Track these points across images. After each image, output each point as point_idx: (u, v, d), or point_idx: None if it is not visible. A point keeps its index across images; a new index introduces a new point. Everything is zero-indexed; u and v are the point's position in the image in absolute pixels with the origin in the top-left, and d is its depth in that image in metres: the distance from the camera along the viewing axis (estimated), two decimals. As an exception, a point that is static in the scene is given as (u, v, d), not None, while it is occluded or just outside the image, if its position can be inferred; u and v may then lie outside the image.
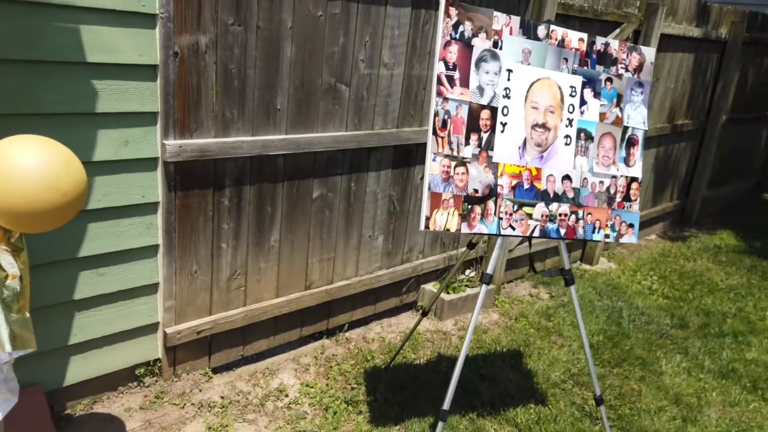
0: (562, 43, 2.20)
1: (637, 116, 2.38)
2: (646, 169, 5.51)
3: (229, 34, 2.48)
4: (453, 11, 1.99)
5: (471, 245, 2.73)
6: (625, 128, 2.36)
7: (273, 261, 3.03)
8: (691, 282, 5.00)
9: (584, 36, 2.25)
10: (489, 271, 2.22)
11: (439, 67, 2.00)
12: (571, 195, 2.28)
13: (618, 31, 4.27)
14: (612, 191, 2.36)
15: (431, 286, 3.96)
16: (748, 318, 4.46)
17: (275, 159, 2.83)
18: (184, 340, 2.76)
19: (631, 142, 2.38)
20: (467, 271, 4.27)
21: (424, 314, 3.00)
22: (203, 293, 2.79)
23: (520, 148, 2.17)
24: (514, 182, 2.17)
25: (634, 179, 2.40)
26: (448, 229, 2.06)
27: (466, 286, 4.11)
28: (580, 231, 2.31)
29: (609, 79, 2.31)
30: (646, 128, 2.39)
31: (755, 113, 6.90)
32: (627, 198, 2.39)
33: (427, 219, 2.03)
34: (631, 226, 2.42)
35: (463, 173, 2.07)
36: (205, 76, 2.46)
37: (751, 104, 6.78)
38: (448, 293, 3.94)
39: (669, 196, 6.10)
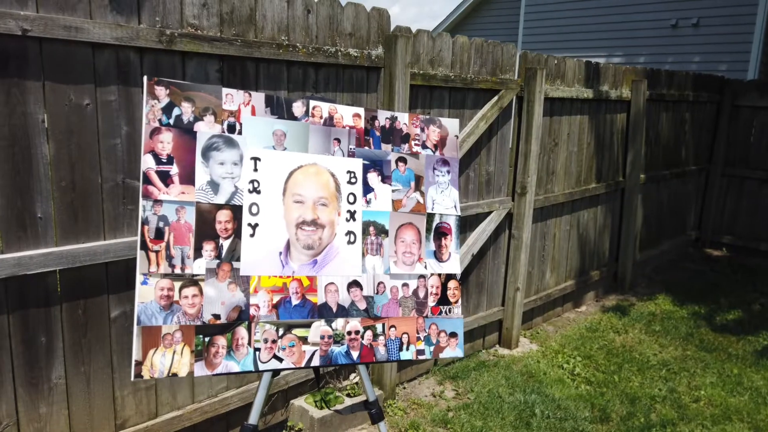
0: (330, 121, 1.79)
1: (446, 200, 1.94)
2: (562, 238, 5.11)
3: (-54, 135, 2.03)
4: (161, 91, 1.56)
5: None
6: (431, 216, 1.92)
7: (59, 402, 2.44)
8: (619, 360, 4.48)
9: (360, 111, 1.84)
10: (252, 420, 1.67)
11: (146, 162, 1.55)
12: (363, 306, 1.79)
13: (496, 99, 3.97)
14: (421, 295, 1.88)
15: (302, 401, 3.36)
16: (680, 401, 3.92)
17: (42, 278, 2.30)
18: None
19: (441, 232, 1.93)
20: (352, 375, 3.69)
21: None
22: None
23: (281, 254, 1.69)
24: (277, 298, 1.67)
25: (450, 276, 1.93)
26: (174, 374, 1.53)
27: (348, 395, 3.53)
28: (381, 350, 1.80)
29: (402, 159, 1.89)
30: (459, 213, 1.94)
31: (674, 169, 6.66)
32: (444, 301, 1.91)
33: (139, 364, 1.51)
34: (453, 335, 1.92)
35: (194, 295, 1.57)
36: None
37: (670, 160, 6.56)
38: (320, 407, 3.35)
39: (596, 263, 5.68)
